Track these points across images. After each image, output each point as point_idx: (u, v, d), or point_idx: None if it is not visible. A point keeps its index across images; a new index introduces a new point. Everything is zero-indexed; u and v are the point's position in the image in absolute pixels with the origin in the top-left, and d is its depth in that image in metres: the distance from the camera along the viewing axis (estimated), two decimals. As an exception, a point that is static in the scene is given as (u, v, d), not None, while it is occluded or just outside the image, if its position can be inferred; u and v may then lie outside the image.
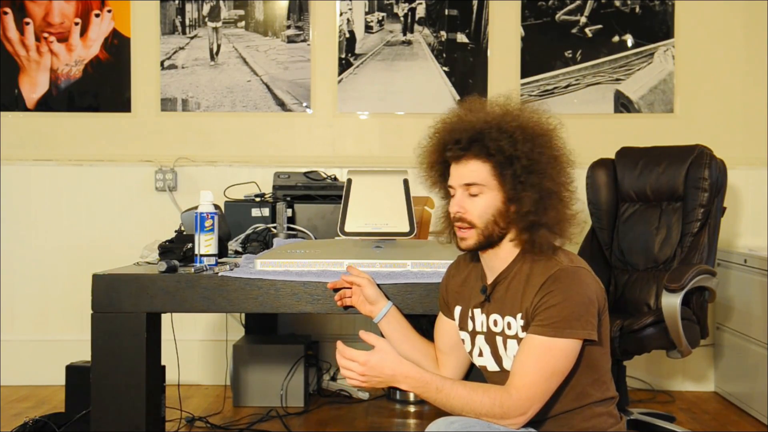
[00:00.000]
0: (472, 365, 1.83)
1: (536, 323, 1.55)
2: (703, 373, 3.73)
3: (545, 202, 1.59)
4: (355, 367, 1.58)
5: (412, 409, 3.43)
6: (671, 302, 2.57)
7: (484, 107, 1.67)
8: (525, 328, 1.59)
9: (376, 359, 1.57)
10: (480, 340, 1.70)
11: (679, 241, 2.96)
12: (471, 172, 1.61)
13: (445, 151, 1.65)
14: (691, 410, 3.40)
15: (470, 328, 1.73)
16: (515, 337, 1.62)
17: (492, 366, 1.68)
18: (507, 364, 1.64)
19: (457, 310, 1.77)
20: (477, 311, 1.71)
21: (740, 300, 3.41)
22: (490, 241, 1.63)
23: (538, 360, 1.54)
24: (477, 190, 1.61)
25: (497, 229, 1.62)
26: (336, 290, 1.95)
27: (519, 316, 1.61)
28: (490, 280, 1.69)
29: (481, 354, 1.71)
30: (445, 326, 1.84)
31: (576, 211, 1.65)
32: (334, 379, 3.70)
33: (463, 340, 1.77)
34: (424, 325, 3.53)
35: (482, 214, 1.61)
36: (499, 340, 1.66)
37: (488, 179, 1.60)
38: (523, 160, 1.58)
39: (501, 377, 1.63)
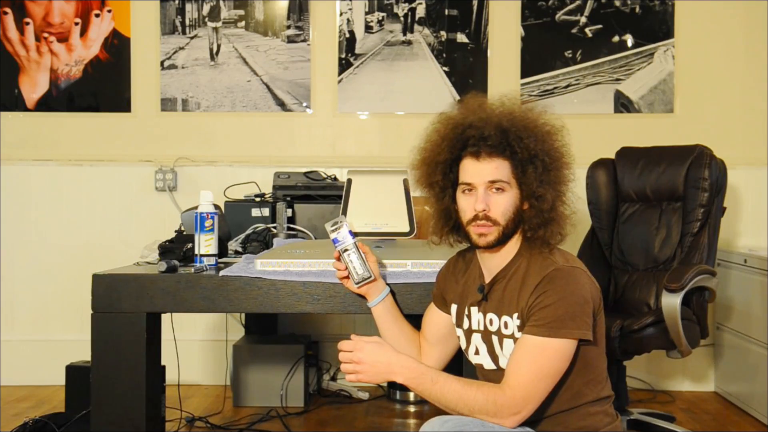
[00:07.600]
0: (452, 360, 1.85)
1: (531, 323, 1.55)
2: (703, 373, 3.73)
3: (558, 200, 1.63)
4: (354, 346, 1.59)
5: (412, 409, 3.43)
6: (671, 302, 2.57)
7: (495, 105, 1.67)
8: (521, 328, 1.59)
9: (373, 345, 1.59)
10: (476, 338, 1.70)
11: (679, 241, 2.96)
12: (495, 169, 1.61)
13: (466, 147, 1.63)
14: (691, 410, 3.40)
15: (466, 326, 1.73)
16: (511, 336, 1.62)
17: (488, 364, 1.68)
18: (503, 363, 1.64)
19: (454, 307, 1.78)
20: (474, 309, 1.71)
21: (740, 300, 3.40)
22: (507, 238, 1.65)
23: (532, 360, 1.54)
24: (501, 187, 1.62)
25: (513, 226, 1.64)
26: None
27: (515, 315, 1.61)
28: (487, 279, 1.69)
29: (477, 352, 1.71)
30: (435, 317, 1.85)
31: (574, 211, 1.68)
32: (334, 379, 3.71)
33: (458, 337, 1.77)
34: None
35: (505, 211, 1.62)
36: (495, 339, 1.66)
37: (510, 177, 1.62)
38: (544, 159, 1.61)
39: (497, 375, 1.64)
